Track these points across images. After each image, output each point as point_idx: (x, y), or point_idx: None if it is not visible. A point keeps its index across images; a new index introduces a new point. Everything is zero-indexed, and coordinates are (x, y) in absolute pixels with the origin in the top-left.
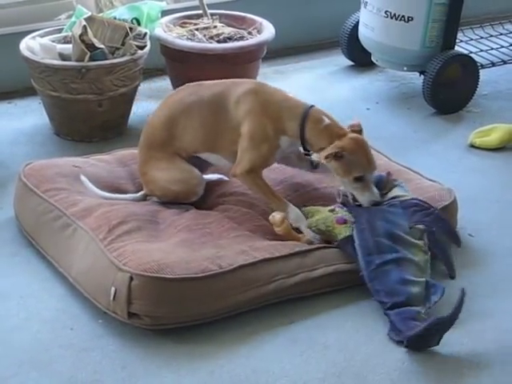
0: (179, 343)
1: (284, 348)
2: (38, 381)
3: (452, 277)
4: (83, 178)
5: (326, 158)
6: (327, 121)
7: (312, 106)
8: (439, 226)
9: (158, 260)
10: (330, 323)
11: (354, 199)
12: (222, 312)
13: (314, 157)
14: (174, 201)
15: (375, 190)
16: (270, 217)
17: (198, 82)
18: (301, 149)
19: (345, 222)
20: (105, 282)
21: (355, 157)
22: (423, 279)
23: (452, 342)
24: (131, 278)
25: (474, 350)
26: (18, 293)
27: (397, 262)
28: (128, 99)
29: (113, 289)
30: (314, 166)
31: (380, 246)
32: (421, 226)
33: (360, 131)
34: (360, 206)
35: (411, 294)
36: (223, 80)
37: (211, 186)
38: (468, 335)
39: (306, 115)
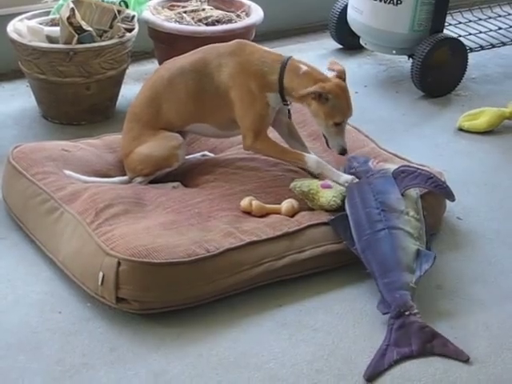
0: (167, 327)
1: (273, 331)
2: (25, 364)
3: (452, 200)
4: (68, 172)
5: (310, 94)
6: (305, 68)
7: (290, 57)
8: (429, 184)
9: (145, 245)
10: (319, 306)
11: (326, 143)
12: (210, 296)
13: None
14: (157, 171)
15: (345, 137)
16: (241, 208)
17: (173, 58)
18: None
19: (329, 187)
20: (92, 267)
21: (339, 102)
22: (415, 247)
23: (442, 330)
24: (119, 263)
25: (464, 339)
26: (6, 276)
27: (388, 230)
28: (116, 82)
29: (101, 274)
30: (289, 116)
31: (371, 216)
32: (413, 193)
33: (344, 79)
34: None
35: (401, 261)
36: (200, 48)
37: (198, 164)
38: (457, 321)
39: (285, 66)
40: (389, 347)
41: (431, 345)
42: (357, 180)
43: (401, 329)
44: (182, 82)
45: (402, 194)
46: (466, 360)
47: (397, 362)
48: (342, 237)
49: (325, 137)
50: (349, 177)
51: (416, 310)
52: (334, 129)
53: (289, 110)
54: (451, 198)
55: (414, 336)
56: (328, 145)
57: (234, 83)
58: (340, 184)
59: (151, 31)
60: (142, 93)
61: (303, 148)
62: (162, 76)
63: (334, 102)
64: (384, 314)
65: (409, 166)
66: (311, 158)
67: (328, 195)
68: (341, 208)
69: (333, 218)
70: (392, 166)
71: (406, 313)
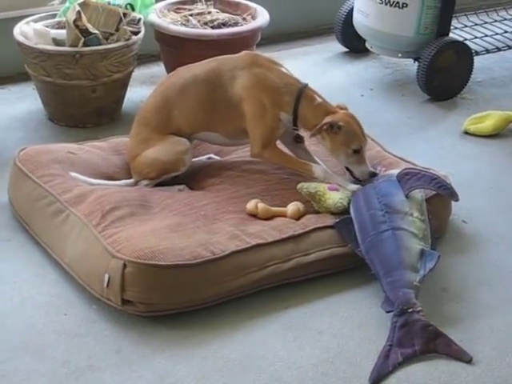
0: (173, 329)
1: (278, 334)
2: (31, 366)
3: (456, 200)
4: (74, 174)
5: (322, 127)
6: (320, 99)
7: (306, 85)
8: (433, 185)
9: (151, 247)
10: (324, 309)
11: (352, 175)
12: (216, 298)
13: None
14: (163, 175)
15: (368, 164)
16: (246, 210)
17: (187, 65)
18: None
19: (336, 189)
20: (98, 269)
21: (351, 128)
22: (419, 247)
23: (447, 332)
24: (125, 265)
25: (469, 342)
26: (12, 278)
27: (392, 231)
28: (122, 85)
29: (106, 276)
30: (298, 140)
31: (375, 218)
32: (418, 195)
33: (346, 109)
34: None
35: (404, 260)
36: (214, 57)
37: (204, 167)
38: (462, 324)
39: (302, 93)
40: (392, 348)
41: (434, 344)
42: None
43: (404, 327)
44: (194, 90)
45: (407, 196)
46: (469, 360)
47: (401, 364)
48: (347, 239)
49: (348, 170)
50: (355, 186)
51: (419, 308)
52: (354, 158)
53: (298, 135)
54: (455, 198)
55: (417, 335)
56: (354, 177)
57: (247, 95)
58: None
59: (157, 34)
60: (153, 97)
61: (308, 155)
62: (175, 83)
63: (346, 130)
64: (388, 312)
65: (413, 168)
66: (318, 169)
67: (335, 197)
68: (347, 210)
69: (337, 220)
70: (397, 171)
71: (409, 310)
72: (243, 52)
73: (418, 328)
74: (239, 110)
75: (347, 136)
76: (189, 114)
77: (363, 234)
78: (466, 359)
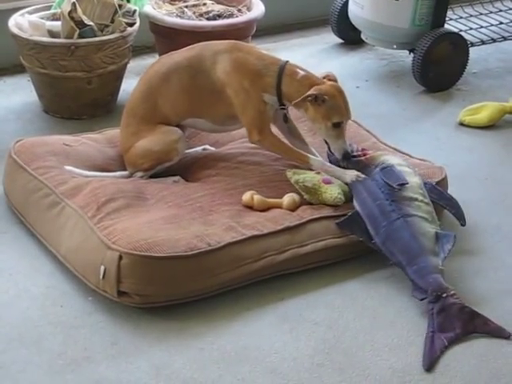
0: (169, 321)
1: (274, 325)
2: (27, 357)
3: (462, 224)
4: (68, 167)
5: (307, 98)
6: (303, 72)
7: (287, 62)
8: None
9: (147, 238)
10: (320, 300)
11: (328, 149)
12: (212, 290)
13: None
14: (157, 165)
15: (347, 141)
16: (242, 202)
17: (169, 53)
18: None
19: (330, 182)
20: (94, 261)
21: (335, 102)
22: (433, 231)
23: None
24: (120, 257)
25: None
26: (7, 270)
27: (404, 218)
28: (117, 77)
29: (102, 267)
30: (286, 120)
31: (383, 208)
32: (416, 179)
33: (335, 80)
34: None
35: (424, 246)
36: (196, 44)
37: (199, 158)
38: None
39: (282, 70)
40: (435, 334)
41: (473, 325)
42: (363, 176)
43: (441, 312)
44: (178, 77)
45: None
46: (507, 336)
47: (447, 348)
48: (358, 234)
49: (326, 142)
50: (353, 174)
51: (453, 292)
52: (333, 131)
53: (285, 114)
54: (462, 221)
55: (455, 319)
56: (330, 150)
57: (229, 80)
58: (346, 182)
59: (152, 26)
60: (138, 88)
61: (304, 145)
62: (158, 71)
63: (330, 103)
64: (422, 299)
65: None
66: (316, 161)
67: (333, 192)
68: (343, 204)
69: (341, 220)
70: (388, 157)
71: (444, 295)
72: (224, 41)
73: (455, 311)
74: (223, 95)
75: (330, 110)
76: (174, 101)
77: (375, 226)
78: (505, 335)
